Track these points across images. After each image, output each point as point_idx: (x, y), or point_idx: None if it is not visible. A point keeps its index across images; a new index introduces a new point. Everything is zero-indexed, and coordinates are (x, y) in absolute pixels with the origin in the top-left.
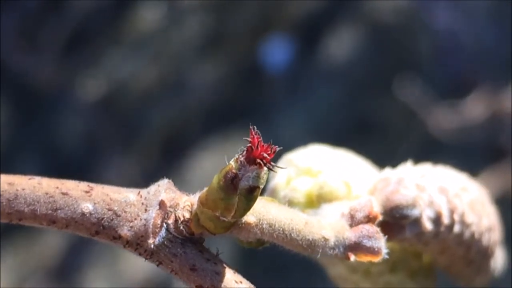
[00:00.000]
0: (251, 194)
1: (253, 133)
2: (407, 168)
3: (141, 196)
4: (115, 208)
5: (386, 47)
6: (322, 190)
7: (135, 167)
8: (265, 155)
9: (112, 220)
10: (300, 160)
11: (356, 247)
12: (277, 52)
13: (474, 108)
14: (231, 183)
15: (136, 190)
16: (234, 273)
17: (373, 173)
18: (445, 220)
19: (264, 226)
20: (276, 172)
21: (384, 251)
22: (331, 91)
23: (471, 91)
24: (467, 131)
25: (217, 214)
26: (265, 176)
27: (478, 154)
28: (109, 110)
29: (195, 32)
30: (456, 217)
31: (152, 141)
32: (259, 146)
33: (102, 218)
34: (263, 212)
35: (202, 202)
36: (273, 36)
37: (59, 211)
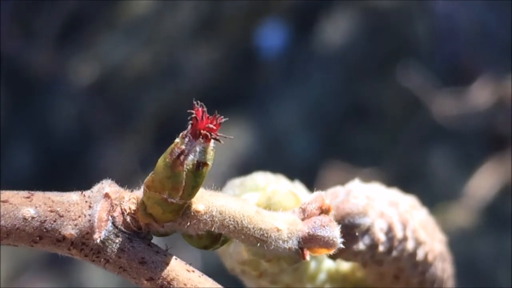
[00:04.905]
0: (198, 170)
1: (197, 105)
2: (355, 183)
3: (84, 196)
4: (58, 209)
5: (383, 32)
6: (271, 200)
7: (129, 151)
8: (211, 126)
9: (55, 221)
10: (246, 181)
11: (311, 238)
12: (272, 36)
13: (479, 95)
14: (177, 159)
15: (79, 192)
16: (186, 264)
17: None
18: (398, 233)
19: (214, 213)
20: (223, 143)
21: (339, 240)
22: (327, 77)
23: (470, 76)
24: (471, 118)
25: (165, 196)
26: (212, 152)
27: (475, 142)
28: (102, 95)
29: (189, 16)
30: (409, 233)
31: (146, 126)
32: (204, 118)
33: (45, 221)
34: (212, 200)
35: (148, 186)
36: (268, 21)
37: None
